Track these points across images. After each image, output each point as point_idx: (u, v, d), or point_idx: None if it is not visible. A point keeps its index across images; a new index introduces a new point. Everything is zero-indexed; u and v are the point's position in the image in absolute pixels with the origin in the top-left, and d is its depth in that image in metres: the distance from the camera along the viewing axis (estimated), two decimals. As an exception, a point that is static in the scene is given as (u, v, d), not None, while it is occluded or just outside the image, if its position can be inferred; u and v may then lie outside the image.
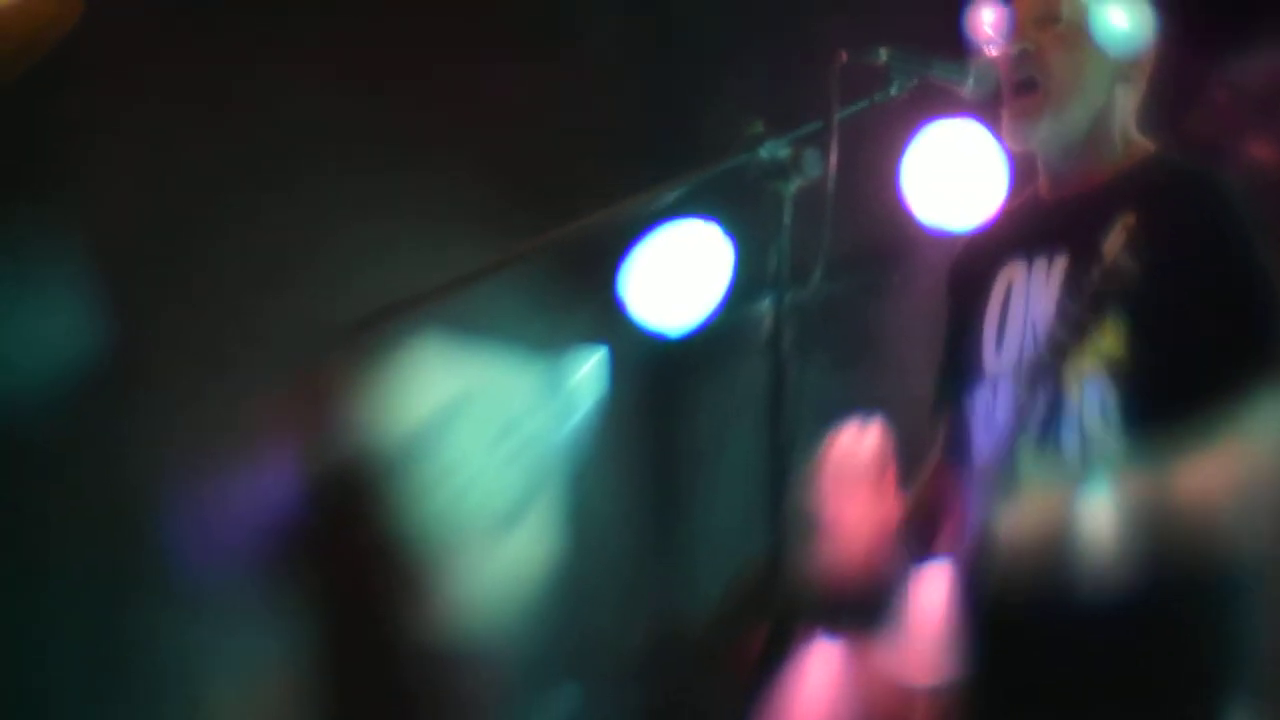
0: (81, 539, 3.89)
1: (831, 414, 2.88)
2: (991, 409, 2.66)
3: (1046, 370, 2.51)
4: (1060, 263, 2.64)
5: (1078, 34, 2.71)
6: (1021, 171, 3.00)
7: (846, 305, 4.57)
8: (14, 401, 3.80)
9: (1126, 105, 2.76)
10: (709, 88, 4.96)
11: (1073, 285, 2.55)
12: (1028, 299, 2.67)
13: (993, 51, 2.72)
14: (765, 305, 2.45)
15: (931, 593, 2.80)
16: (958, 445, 2.76)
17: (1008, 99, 2.71)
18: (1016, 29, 2.73)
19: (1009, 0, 2.77)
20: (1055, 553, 2.40)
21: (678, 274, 4.63)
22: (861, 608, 3.18)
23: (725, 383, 5.13)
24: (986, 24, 2.74)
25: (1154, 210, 2.46)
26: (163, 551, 3.99)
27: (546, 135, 4.88)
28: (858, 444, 2.73)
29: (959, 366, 2.79)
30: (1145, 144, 2.78)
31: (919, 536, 2.83)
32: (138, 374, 4.00)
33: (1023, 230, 2.78)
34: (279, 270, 4.22)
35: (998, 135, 2.83)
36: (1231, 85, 4.29)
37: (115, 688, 3.92)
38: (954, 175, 4.29)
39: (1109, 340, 2.43)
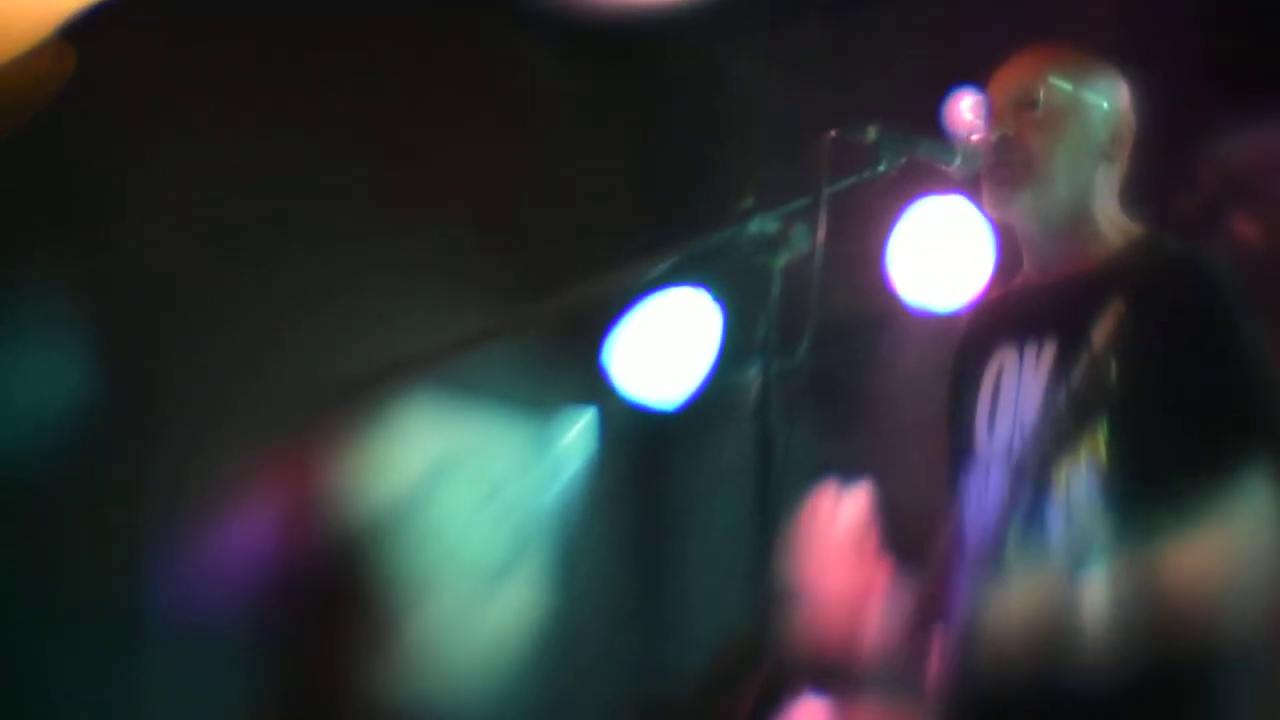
0: (78, 581, 3.90)
1: (817, 481, 2.90)
2: (982, 493, 2.66)
3: (1034, 462, 2.50)
4: (1050, 349, 2.64)
5: (1056, 118, 2.72)
6: (1008, 250, 3.01)
7: (834, 375, 4.58)
8: (15, 446, 3.82)
9: (1109, 184, 2.77)
10: (700, 163, 4.99)
11: (1061, 374, 2.53)
12: (1018, 385, 2.68)
13: (974, 139, 2.73)
14: (753, 374, 2.48)
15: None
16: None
17: (989, 170, 2.73)
18: (995, 115, 2.74)
19: (986, 87, 2.79)
20: (1043, 637, 2.41)
21: (666, 346, 4.64)
22: (847, 670, 3.19)
23: (713, 448, 5.14)
24: (965, 111, 2.75)
25: (1143, 297, 2.45)
26: (155, 598, 3.99)
27: (541, 205, 4.92)
28: (837, 508, 2.73)
29: (957, 447, 2.80)
30: (1130, 226, 2.78)
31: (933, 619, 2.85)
32: (134, 426, 4.02)
33: (1014, 315, 2.78)
34: (277, 329, 4.25)
35: (983, 209, 2.84)
36: (1217, 164, 4.30)
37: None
38: (940, 254, 4.30)
39: (1096, 440, 2.43)
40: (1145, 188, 2.92)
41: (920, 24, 4.62)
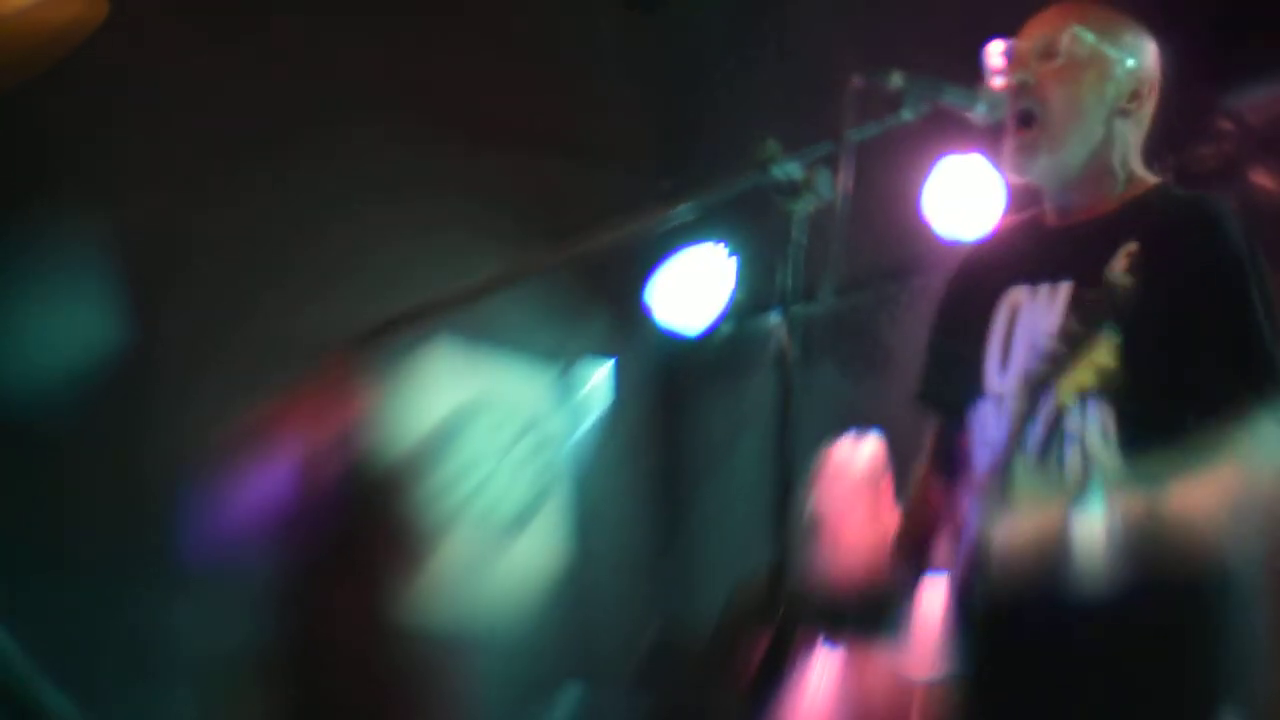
0: (93, 527, 3.94)
1: (838, 426, 2.93)
2: (994, 426, 2.68)
3: (1046, 386, 2.52)
4: (1064, 288, 2.67)
5: (1076, 69, 2.74)
6: (1020, 194, 3.02)
7: (856, 320, 4.62)
8: (29, 395, 3.86)
9: (1128, 139, 2.79)
10: (725, 109, 5.00)
11: (1076, 309, 2.58)
12: (1033, 322, 2.70)
13: (998, 82, 2.76)
14: (774, 320, 2.48)
15: (930, 601, 2.82)
16: (952, 458, 2.79)
17: (1009, 130, 2.75)
18: (1017, 61, 2.77)
19: (1017, 34, 2.82)
20: (1048, 564, 2.43)
21: (692, 282, 4.68)
22: (861, 614, 3.22)
23: (732, 394, 5.17)
24: (997, 55, 2.78)
25: (1156, 239, 2.50)
26: (172, 541, 4.03)
27: (563, 154, 4.94)
28: (852, 456, 2.75)
29: (955, 382, 2.81)
30: (1148, 178, 2.80)
31: (914, 548, 2.88)
32: (154, 370, 4.06)
33: (1027, 255, 2.80)
34: (301, 275, 4.29)
35: (999, 167, 2.86)
36: (1234, 116, 4.31)
37: (123, 670, 3.95)
38: (968, 190, 4.35)
39: (1105, 355, 2.44)
40: (1166, 140, 2.94)
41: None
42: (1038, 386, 2.53)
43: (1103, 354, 2.43)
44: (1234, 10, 4.20)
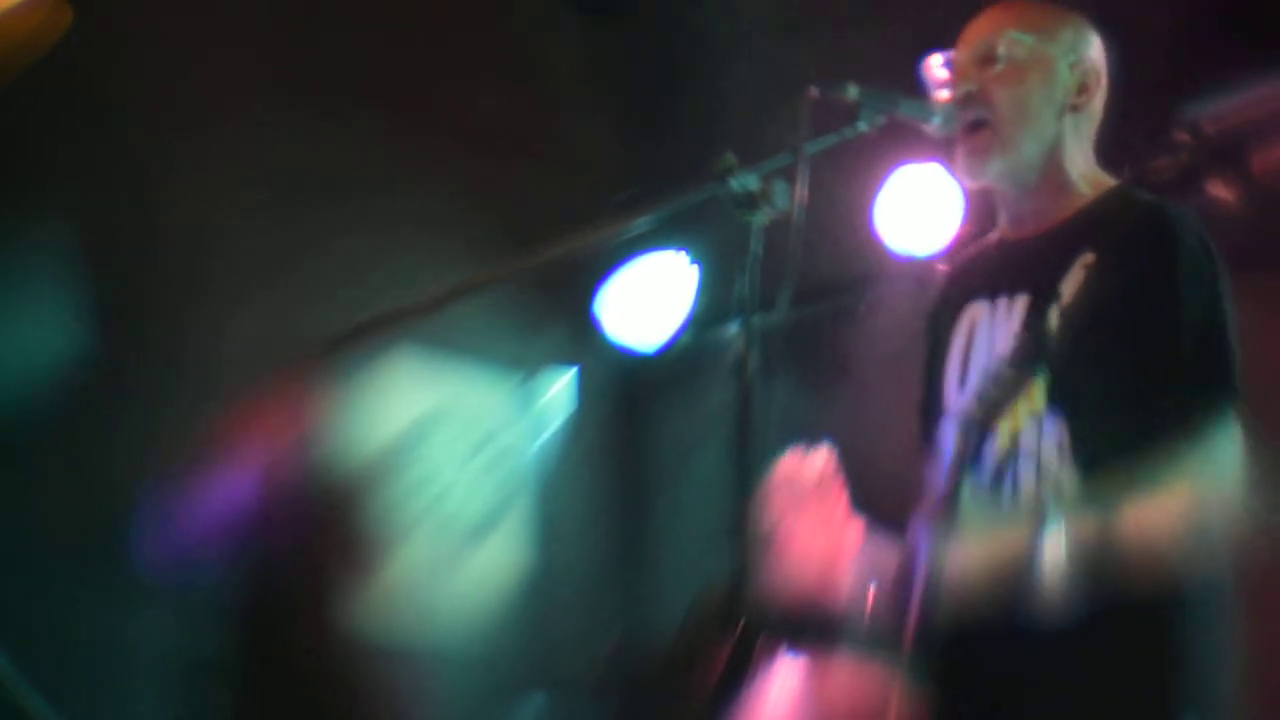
0: (54, 536, 3.91)
1: (796, 435, 2.93)
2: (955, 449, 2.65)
3: (999, 407, 2.49)
4: (1021, 302, 2.67)
5: (1018, 71, 2.75)
6: (982, 205, 3.02)
7: (814, 331, 4.63)
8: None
9: (1080, 136, 2.79)
10: (683, 120, 5.01)
11: (1030, 326, 2.57)
12: (990, 339, 2.71)
13: (944, 95, 2.77)
14: (732, 331, 2.49)
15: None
16: None
17: (960, 138, 2.76)
18: (959, 72, 2.78)
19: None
20: (1002, 586, 2.44)
21: (649, 296, 4.70)
22: (821, 624, 3.22)
23: (692, 404, 5.18)
24: (937, 70, 2.80)
25: (1113, 249, 2.48)
26: (133, 550, 4.01)
27: (525, 163, 4.94)
28: (802, 467, 2.75)
29: (930, 406, 2.83)
30: (1105, 179, 2.80)
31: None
32: (115, 379, 4.04)
33: (987, 270, 2.80)
34: (261, 282, 4.28)
35: (956, 176, 2.86)
36: (1191, 127, 4.32)
37: (83, 678, 3.93)
38: (921, 204, 4.37)
39: (1061, 386, 2.43)
40: (1124, 149, 2.95)
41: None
42: (992, 408, 2.53)
43: (1035, 398, 2.41)
44: (1191, 21, 4.22)
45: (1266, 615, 2.78)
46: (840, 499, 2.75)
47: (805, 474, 2.73)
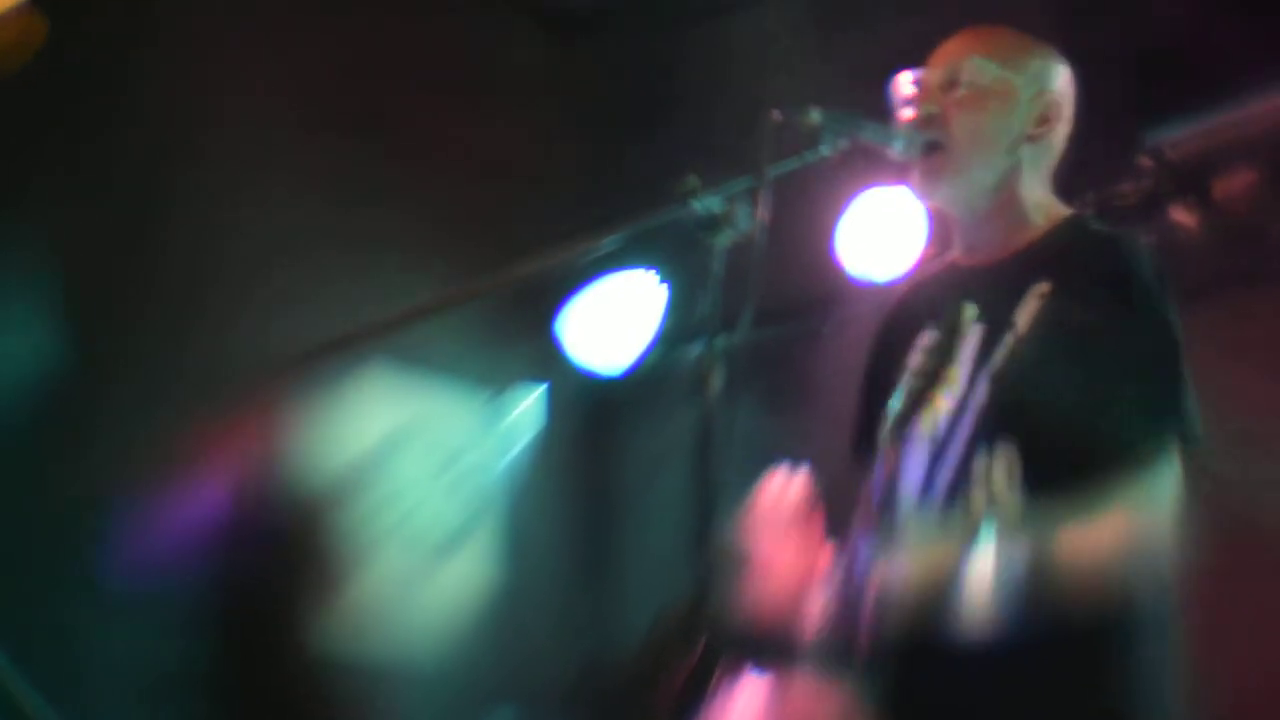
0: (23, 548, 3.90)
1: (759, 456, 2.94)
2: (911, 469, 2.67)
3: (954, 438, 2.54)
4: (975, 330, 2.66)
5: (980, 98, 2.75)
6: (942, 228, 3.04)
7: (776, 352, 4.66)
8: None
9: (1037, 166, 2.80)
10: (647, 143, 5.03)
11: (985, 355, 2.58)
12: None
13: (908, 114, 2.78)
14: (695, 351, 2.51)
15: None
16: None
17: (916, 159, 2.76)
18: (924, 92, 2.79)
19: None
20: (937, 607, 2.44)
21: (613, 318, 4.71)
22: (785, 644, 3.24)
23: (658, 422, 5.20)
24: (906, 85, 2.81)
25: (1066, 279, 2.51)
26: (102, 559, 4.00)
27: (493, 183, 4.96)
28: (786, 490, 2.75)
29: (877, 430, 2.80)
30: (1061, 209, 2.81)
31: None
32: (86, 391, 4.03)
33: (939, 298, 2.78)
34: (232, 299, 4.28)
35: (917, 195, 2.87)
36: (1154, 153, 4.35)
37: (52, 690, 3.92)
38: (882, 230, 4.39)
39: (1012, 416, 2.45)
40: (1087, 173, 2.99)
41: (869, 6, 4.68)
42: (947, 438, 2.55)
43: (1011, 419, 2.44)
44: (1154, 48, 4.25)
45: (1212, 637, 2.79)
46: (818, 524, 2.76)
47: (787, 499, 2.74)
